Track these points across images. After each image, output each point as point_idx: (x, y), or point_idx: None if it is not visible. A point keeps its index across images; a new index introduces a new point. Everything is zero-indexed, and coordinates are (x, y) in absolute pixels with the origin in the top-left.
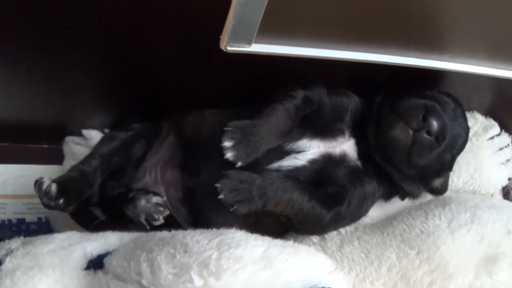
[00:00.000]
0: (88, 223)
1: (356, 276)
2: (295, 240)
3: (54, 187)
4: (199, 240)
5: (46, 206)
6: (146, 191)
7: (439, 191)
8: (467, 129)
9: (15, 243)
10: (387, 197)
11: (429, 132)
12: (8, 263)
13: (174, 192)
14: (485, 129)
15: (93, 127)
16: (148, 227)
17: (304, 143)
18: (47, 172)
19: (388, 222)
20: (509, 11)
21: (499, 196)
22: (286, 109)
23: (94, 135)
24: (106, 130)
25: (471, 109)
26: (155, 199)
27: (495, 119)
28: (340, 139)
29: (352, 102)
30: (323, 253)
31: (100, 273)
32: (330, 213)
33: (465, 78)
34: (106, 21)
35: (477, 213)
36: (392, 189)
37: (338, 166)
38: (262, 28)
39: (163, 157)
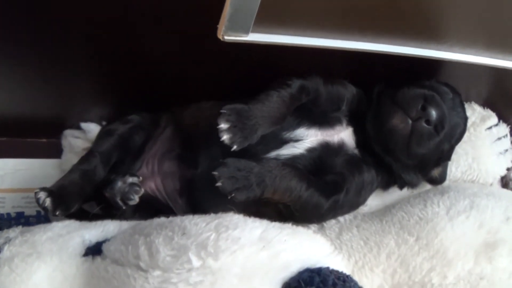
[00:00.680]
0: (78, 216)
1: (355, 263)
2: None
3: (48, 202)
4: (197, 223)
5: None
6: (125, 174)
7: (438, 180)
8: (465, 118)
9: (14, 232)
10: (385, 186)
11: (428, 122)
12: (6, 251)
13: (172, 183)
14: (483, 119)
15: (92, 120)
16: (123, 207)
17: (301, 131)
18: (46, 166)
19: (386, 210)
20: (506, 1)
21: (498, 186)
22: (281, 96)
23: (93, 128)
24: (104, 123)
25: (469, 99)
26: (130, 179)
27: (493, 110)
28: (337, 127)
29: (348, 91)
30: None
31: (98, 258)
32: (328, 201)
33: (463, 69)
34: (103, 15)
35: (476, 200)
36: (391, 178)
37: (336, 154)
38: (259, 17)
39: (161, 149)
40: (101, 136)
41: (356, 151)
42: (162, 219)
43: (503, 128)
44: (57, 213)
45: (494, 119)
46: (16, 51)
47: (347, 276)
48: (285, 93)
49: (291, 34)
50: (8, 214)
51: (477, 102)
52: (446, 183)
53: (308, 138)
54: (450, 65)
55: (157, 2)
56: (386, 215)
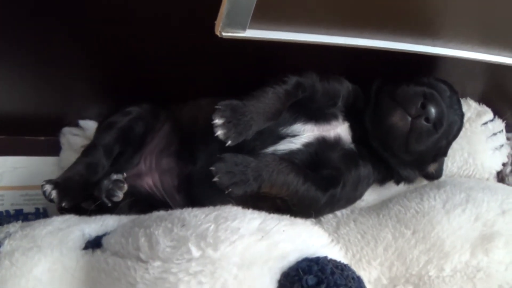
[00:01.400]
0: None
1: (353, 256)
2: None
3: (54, 194)
4: (197, 214)
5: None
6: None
7: (434, 176)
8: (462, 116)
9: (14, 227)
10: (382, 181)
11: (427, 119)
12: (6, 245)
13: (170, 179)
14: (479, 115)
15: (90, 118)
16: (109, 204)
17: (298, 127)
18: (45, 164)
19: (383, 204)
20: None
21: (494, 181)
22: (276, 92)
23: (91, 126)
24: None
25: (464, 95)
26: (115, 176)
27: (488, 106)
28: (334, 123)
29: (344, 87)
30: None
31: (98, 251)
32: (325, 195)
33: (458, 65)
34: (101, 12)
35: (472, 194)
36: (387, 173)
37: (332, 149)
38: (256, 14)
39: (159, 145)
40: (102, 129)
41: (352, 146)
42: (162, 212)
43: (499, 124)
44: (63, 204)
45: (489, 114)
46: (14, 49)
47: (345, 265)
48: (280, 90)
49: (288, 30)
50: (7, 211)
51: (472, 98)
52: (443, 178)
53: (304, 133)
54: (446, 61)
55: (154, 1)
56: (383, 209)
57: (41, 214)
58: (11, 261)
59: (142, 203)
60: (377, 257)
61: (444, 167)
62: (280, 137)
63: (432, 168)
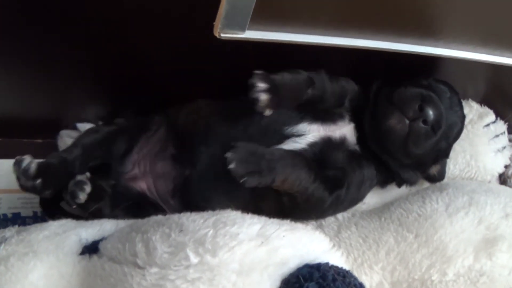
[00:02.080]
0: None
1: (354, 260)
2: None
3: (34, 165)
4: (195, 219)
5: (23, 187)
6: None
7: (436, 178)
8: (463, 117)
9: (10, 231)
10: (383, 183)
11: (425, 122)
12: (2, 250)
13: (164, 184)
14: (481, 116)
15: (88, 120)
16: (73, 206)
17: (304, 126)
18: None
19: (385, 207)
20: None
21: (496, 183)
22: (294, 78)
23: None
24: (100, 123)
25: (466, 97)
26: (79, 177)
27: (490, 107)
28: (340, 123)
29: (351, 87)
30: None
31: (95, 257)
32: (331, 196)
33: (460, 66)
34: (99, 14)
35: (475, 197)
36: (389, 175)
37: (337, 149)
38: (255, 15)
39: (153, 149)
40: (86, 132)
41: (357, 147)
42: (159, 217)
43: (501, 125)
44: (37, 182)
45: (491, 116)
46: (11, 51)
47: (347, 272)
48: (299, 77)
49: (287, 31)
50: (5, 215)
51: (474, 99)
52: (445, 180)
53: (310, 133)
54: (447, 62)
55: (151, 1)
56: (384, 212)
57: (38, 217)
58: (7, 266)
59: (138, 206)
60: (379, 261)
61: (446, 169)
62: (285, 137)
63: (434, 170)
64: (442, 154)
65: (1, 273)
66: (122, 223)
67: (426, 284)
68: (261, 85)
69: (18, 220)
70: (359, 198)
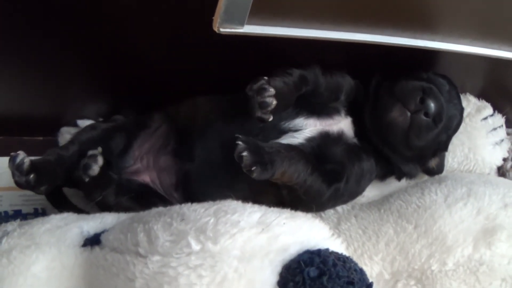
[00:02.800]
0: (62, 207)
1: (354, 251)
2: None
3: (27, 160)
4: (196, 209)
5: (17, 183)
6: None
7: (435, 171)
8: (461, 110)
9: (12, 225)
10: (383, 177)
11: (426, 114)
12: (4, 243)
13: (167, 177)
14: (478, 110)
15: (88, 117)
16: (86, 179)
17: (300, 121)
18: None
19: (384, 199)
20: None
21: (494, 176)
22: (285, 82)
23: None
24: (101, 120)
25: (464, 91)
26: (90, 152)
27: (488, 101)
28: (336, 117)
29: (346, 82)
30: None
31: (96, 248)
32: (329, 189)
33: (457, 60)
34: (98, 12)
35: (473, 188)
36: (388, 168)
37: (335, 143)
38: (254, 9)
39: (155, 144)
40: (84, 129)
41: (355, 140)
42: (160, 208)
43: (498, 119)
44: (31, 177)
45: (489, 109)
46: (11, 50)
47: (347, 257)
48: (289, 81)
49: (286, 25)
50: (6, 212)
51: (472, 93)
52: (443, 173)
53: (307, 128)
54: (445, 56)
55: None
56: (384, 204)
57: (40, 214)
58: (9, 259)
59: (143, 196)
60: (378, 252)
61: (445, 162)
62: (282, 132)
63: (433, 163)
64: (441, 147)
65: (4, 266)
66: (123, 216)
67: (426, 273)
68: (272, 89)
69: (19, 217)
70: (358, 191)
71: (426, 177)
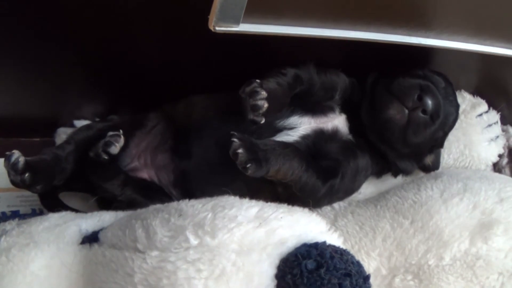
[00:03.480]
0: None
1: (351, 247)
2: None
3: (22, 159)
4: (194, 204)
5: (13, 182)
6: None
7: (431, 168)
8: (457, 107)
9: (10, 224)
10: (379, 173)
11: (424, 111)
12: (3, 242)
13: (166, 175)
14: (473, 106)
15: (85, 117)
16: (106, 157)
17: (295, 119)
18: None
19: (381, 196)
20: None
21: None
22: (279, 84)
23: None
24: (98, 120)
25: (458, 88)
26: (111, 132)
27: (483, 97)
28: (330, 115)
29: (341, 80)
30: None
31: (95, 245)
32: (325, 185)
33: (452, 57)
34: (94, 12)
35: (469, 183)
36: (384, 165)
37: (330, 140)
38: (249, 7)
39: (152, 143)
40: (80, 129)
41: (350, 137)
42: (158, 205)
43: (493, 115)
44: (26, 176)
45: (484, 106)
46: (8, 51)
47: (344, 250)
48: (283, 81)
49: (281, 24)
50: (3, 213)
51: (466, 90)
52: (439, 169)
53: (301, 126)
54: (440, 54)
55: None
56: (380, 200)
57: (37, 215)
58: (8, 257)
59: (146, 190)
60: (375, 247)
61: (441, 159)
62: (277, 130)
63: (429, 160)
64: (437, 143)
65: (3, 264)
66: (121, 214)
67: (423, 268)
68: (263, 92)
69: (17, 217)
70: (354, 188)
71: (422, 173)
